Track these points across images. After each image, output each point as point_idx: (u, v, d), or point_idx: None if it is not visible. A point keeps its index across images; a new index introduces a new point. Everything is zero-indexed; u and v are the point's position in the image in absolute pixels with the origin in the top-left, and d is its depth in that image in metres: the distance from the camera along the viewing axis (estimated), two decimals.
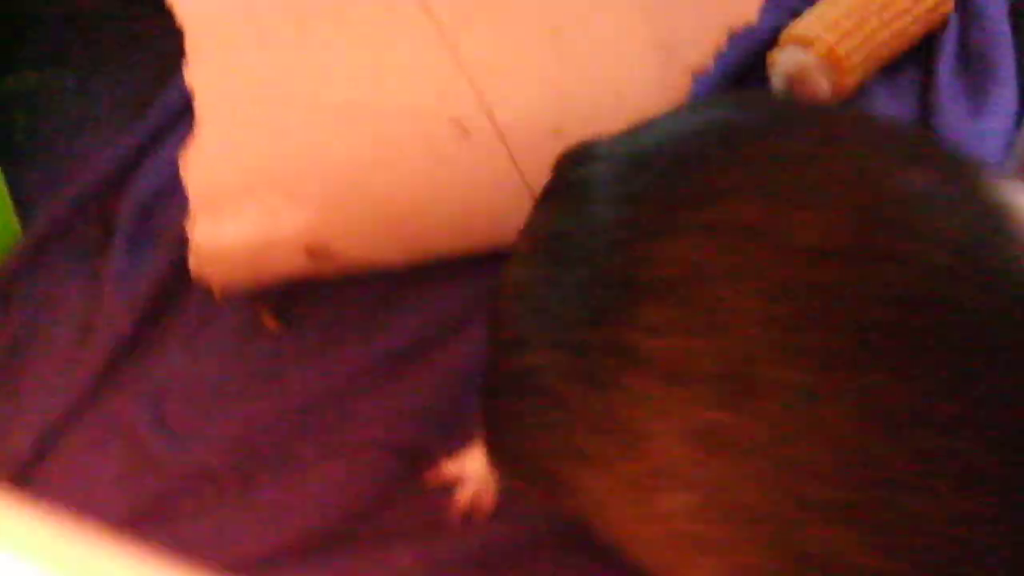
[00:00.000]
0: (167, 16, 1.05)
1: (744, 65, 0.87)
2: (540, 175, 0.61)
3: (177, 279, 0.75)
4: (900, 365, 0.39)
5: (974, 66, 0.91)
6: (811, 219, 0.41)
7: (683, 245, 0.43)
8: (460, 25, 0.59)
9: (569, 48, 0.60)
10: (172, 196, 0.80)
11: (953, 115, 0.84)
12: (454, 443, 0.63)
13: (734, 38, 0.86)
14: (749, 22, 0.63)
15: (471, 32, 0.59)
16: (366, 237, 0.64)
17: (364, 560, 0.60)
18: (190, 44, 0.60)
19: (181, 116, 0.89)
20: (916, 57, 0.93)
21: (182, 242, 0.73)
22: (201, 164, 0.60)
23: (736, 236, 0.42)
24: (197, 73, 0.60)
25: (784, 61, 0.84)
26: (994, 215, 0.42)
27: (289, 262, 0.65)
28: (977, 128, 0.83)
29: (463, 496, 0.61)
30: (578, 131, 0.61)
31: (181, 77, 0.91)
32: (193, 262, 0.65)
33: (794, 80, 0.83)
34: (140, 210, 0.82)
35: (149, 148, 0.88)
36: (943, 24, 0.94)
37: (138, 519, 0.65)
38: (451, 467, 0.62)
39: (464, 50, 0.59)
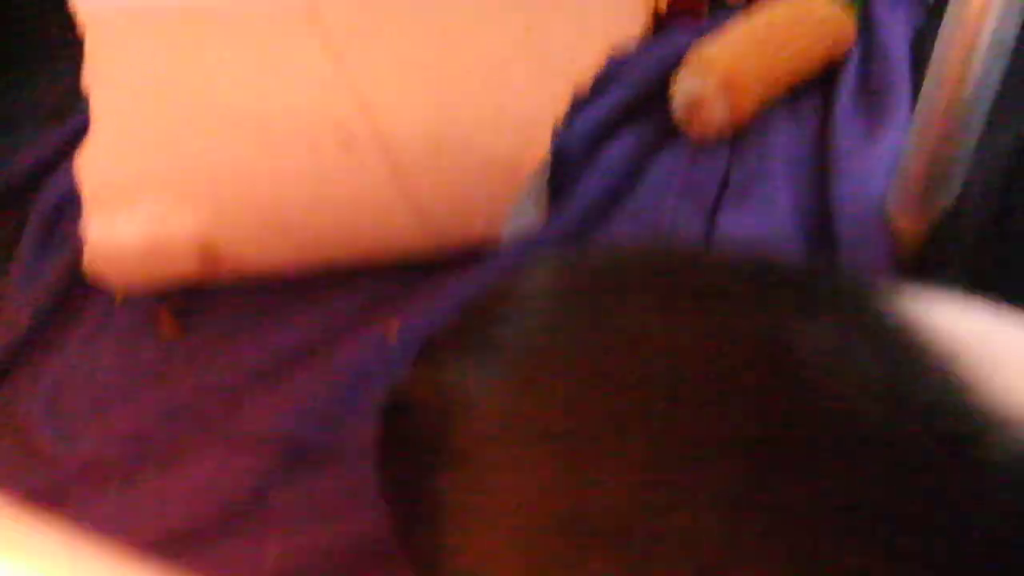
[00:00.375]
0: None
1: (648, 89, 0.90)
2: (420, 188, 0.64)
3: (79, 280, 0.76)
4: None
5: (872, 94, 0.94)
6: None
7: None
8: (346, 36, 0.61)
9: (451, 63, 0.62)
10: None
11: (849, 141, 0.87)
12: (334, 439, 0.65)
13: (638, 61, 0.90)
14: (630, 41, 0.65)
15: (357, 44, 0.61)
16: (254, 242, 0.66)
17: (238, 551, 0.62)
18: (89, 45, 0.62)
19: None
20: (819, 84, 0.96)
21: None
22: (95, 163, 0.62)
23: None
24: (94, 73, 0.61)
25: (684, 86, 0.87)
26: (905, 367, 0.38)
27: (182, 264, 0.67)
28: (870, 152, 0.85)
29: None
30: (459, 144, 0.64)
31: None
32: (87, 260, 0.66)
33: (693, 104, 0.86)
34: (50, 213, 0.83)
35: (65, 153, 0.89)
36: (846, 54, 0.98)
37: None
38: None
39: (349, 61, 0.61)
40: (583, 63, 0.64)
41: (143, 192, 0.63)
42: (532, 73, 0.63)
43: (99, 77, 0.61)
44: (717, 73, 0.86)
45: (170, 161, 0.62)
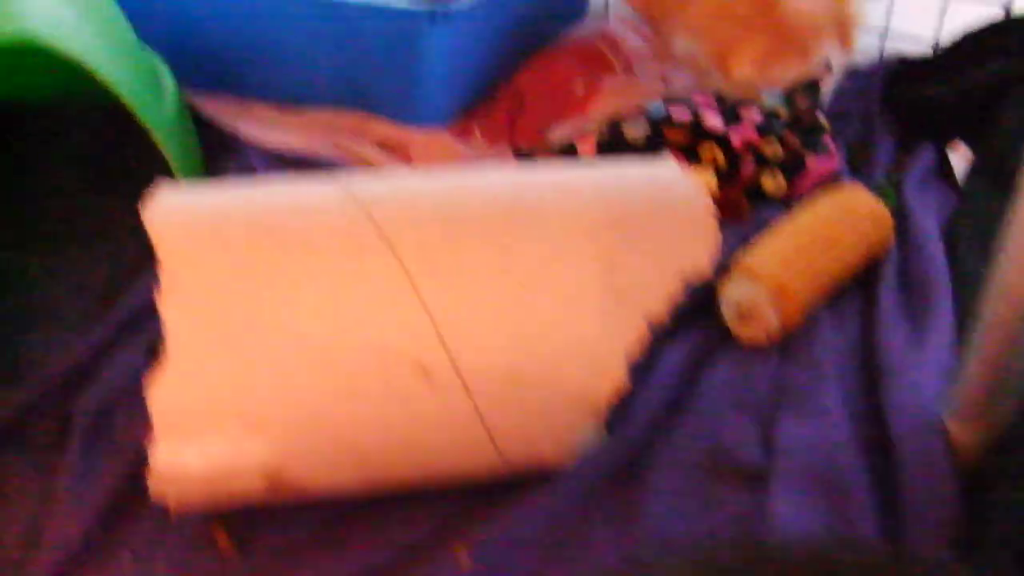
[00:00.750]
0: (135, 209, 1.07)
1: (696, 294, 0.90)
2: (497, 417, 0.64)
3: (131, 490, 0.74)
4: None
5: (914, 297, 0.95)
6: None
7: None
8: (424, 267, 0.62)
9: (528, 294, 0.63)
10: (131, 402, 0.81)
11: (896, 346, 0.87)
12: None
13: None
14: (702, 272, 0.66)
15: (434, 275, 0.62)
16: (324, 468, 0.65)
17: None
18: (166, 273, 0.62)
19: (144, 318, 0.91)
20: (859, 279, 0.97)
21: (138, 452, 0.74)
22: (167, 390, 0.61)
23: None
24: (170, 302, 0.61)
25: (734, 293, 0.87)
26: None
27: (247, 488, 0.65)
28: (919, 359, 0.85)
29: None
30: (536, 376, 0.63)
31: (145, 276, 0.94)
32: (152, 482, 0.65)
33: (743, 313, 0.87)
34: (97, 413, 0.82)
35: (110, 349, 0.88)
36: (885, 254, 0.99)
37: None
38: None
39: (427, 292, 0.61)
40: (656, 295, 0.64)
41: (214, 420, 0.62)
42: (607, 305, 0.63)
43: (175, 306, 0.61)
44: (766, 280, 0.86)
45: (243, 389, 0.62)
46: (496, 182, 0.68)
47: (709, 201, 0.68)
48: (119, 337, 0.90)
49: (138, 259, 0.97)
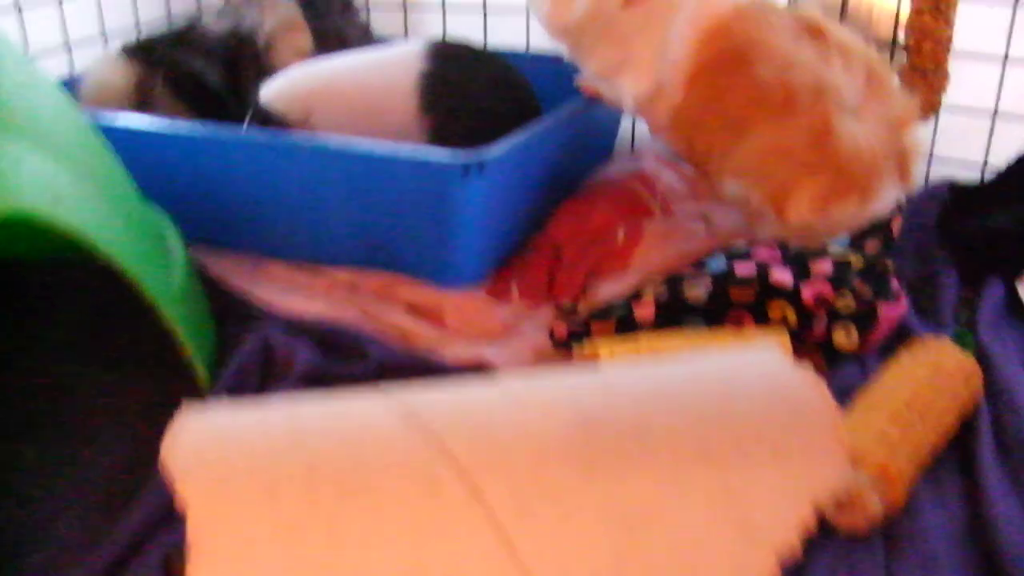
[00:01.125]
0: (140, 390, 0.97)
1: None
2: None
3: None
4: None
5: (1017, 462, 0.85)
6: None
7: None
8: (516, 515, 0.51)
9: (640, 539, 0.52)
10: None
11: (1009, 526, 0.78)
12: None
13: None
14: (835, 490, 0.55)
15: (529, 523, 0.51)
16: None
17: None
18: (193, 532, 0.51)
19: (156, 528, 0.80)
20: (952, 446, 0.87)
21: None
22: None
23: None
24: (201, 569, 0.50)
25: None
26: None
27: None
28: None
29: None
30: None
31: (155, 471, 0.83)
32: None
33: (842, 500, 0.76)
34: None
35: (120, 572, 0.77)
36: (975, 409, 0.89)
37: None
38: None
39: (521, 545, 0.51)
40: (786, 525, 0.54)
41: None
42: (731, 543, 0.53)
43: (204, 566, 0.50)
44: (867, 465, 0.77)
45: None
46: (582, 394, 0.58)
47: (831, 400, 0.58)
48: (130, 555, 0.78)
49: (145, 447, 0.86)
